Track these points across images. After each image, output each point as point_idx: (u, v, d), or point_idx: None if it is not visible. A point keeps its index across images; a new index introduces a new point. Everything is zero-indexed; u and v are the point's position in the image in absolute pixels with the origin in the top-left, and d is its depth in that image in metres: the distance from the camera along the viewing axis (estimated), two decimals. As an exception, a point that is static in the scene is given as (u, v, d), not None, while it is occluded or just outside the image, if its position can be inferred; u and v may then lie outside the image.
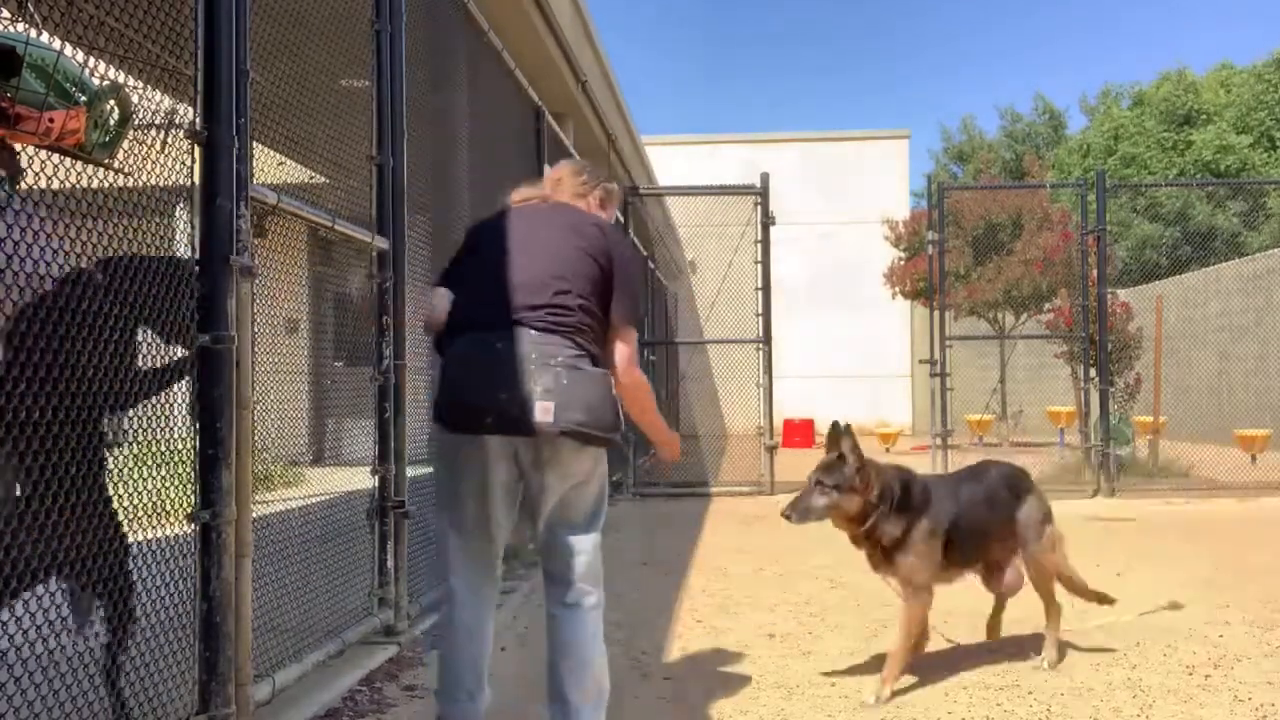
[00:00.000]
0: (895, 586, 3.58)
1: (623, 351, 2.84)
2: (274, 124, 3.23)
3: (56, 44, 2.25)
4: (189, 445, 2.64)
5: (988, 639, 3.99)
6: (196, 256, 2.64)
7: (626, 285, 2.87)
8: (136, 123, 2.52)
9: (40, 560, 2.17)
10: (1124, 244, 23.94)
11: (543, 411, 2.57)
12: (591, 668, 2.78)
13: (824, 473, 3.45)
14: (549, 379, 2.59)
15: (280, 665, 3.10)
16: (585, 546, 2.81)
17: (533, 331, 2.67)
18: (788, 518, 3.43)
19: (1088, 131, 33.07)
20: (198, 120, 2.62)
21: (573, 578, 2.80)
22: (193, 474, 2.61)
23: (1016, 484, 3.89)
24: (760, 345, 10.22)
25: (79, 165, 2.34)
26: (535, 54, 8.24)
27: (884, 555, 3.52)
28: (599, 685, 2.80)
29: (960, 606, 4.20)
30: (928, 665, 3.71)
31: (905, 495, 3.51)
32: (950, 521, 3.58)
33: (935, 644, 3.84)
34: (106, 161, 2.44)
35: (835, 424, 3.52)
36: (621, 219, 9.68)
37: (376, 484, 4.02)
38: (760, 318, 10.24)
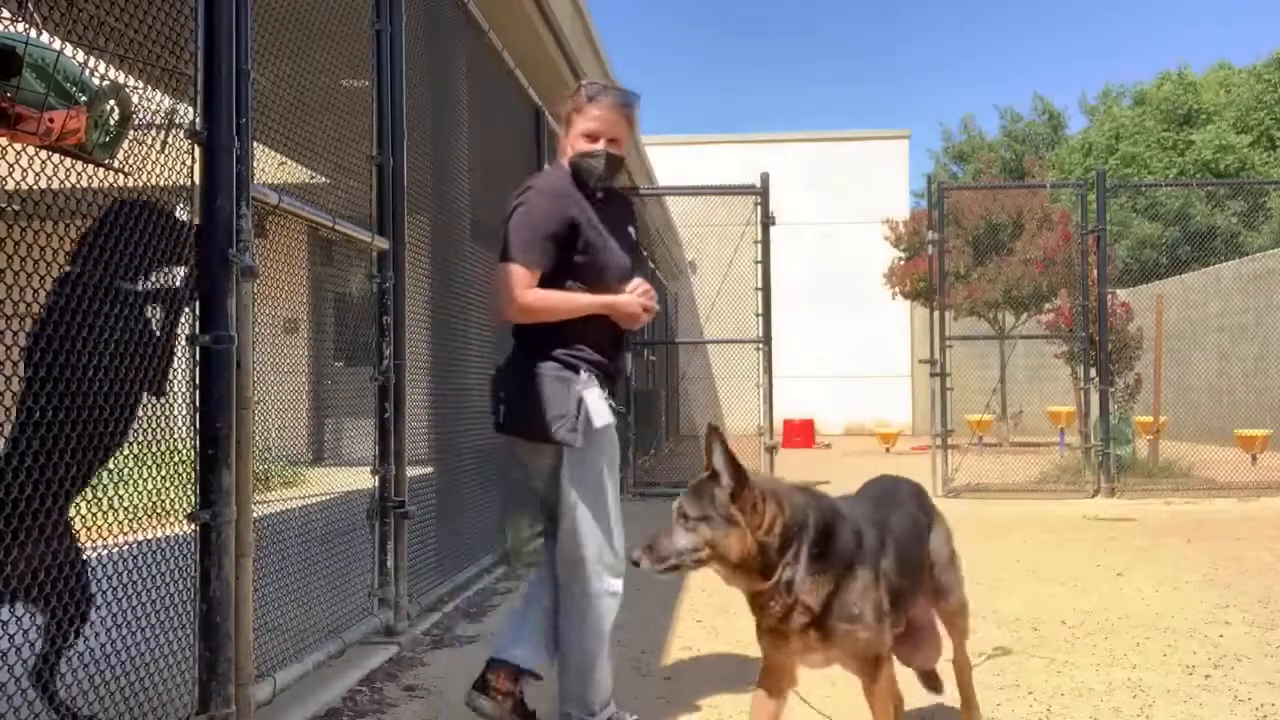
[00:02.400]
0: (845, 667, 2.49)
1: (499, 293, 2.92)
2: (274, 124, 3.23)
3: (56, 44, 2.25)
4: (189, 445, 2.64)
5: None
6: (196, 256, 2.64)
7: (507, 232, 2.89)
8: (136, 123, 2.52)
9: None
10: (1124, 244, 23.93)
11: (500, 416, 2.96)
12: (578, 663, 2.88)
13: (690, 499, 2.30)
14: (500, 387, 2.98)
15: (281, 665, 3.10)
16: (569, 531, 2.91)
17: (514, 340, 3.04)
18: (635, 564, 2.30)
19: (1088, 131, 33.08)
20: (198, 120, 2.63)
21: (561, 558, 2.97)
22: (193, 474, 2.61)
23: (925, 505, 2.89)
24: (760, 345, 10.20)
25: (79, 165, 2.34)
26: (535, 54, 8.24)
27: (814, 628, 2.34)
28: (598, 686, 2.86)
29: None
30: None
31: (827, 535, 2.35)
32: (893, 562, 2.49)
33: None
34: (107, 161, 2.44)
35: (710, 425, 2.31)
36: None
37: (376, 484, 4.02)
38: (760, 318, 10.23)
